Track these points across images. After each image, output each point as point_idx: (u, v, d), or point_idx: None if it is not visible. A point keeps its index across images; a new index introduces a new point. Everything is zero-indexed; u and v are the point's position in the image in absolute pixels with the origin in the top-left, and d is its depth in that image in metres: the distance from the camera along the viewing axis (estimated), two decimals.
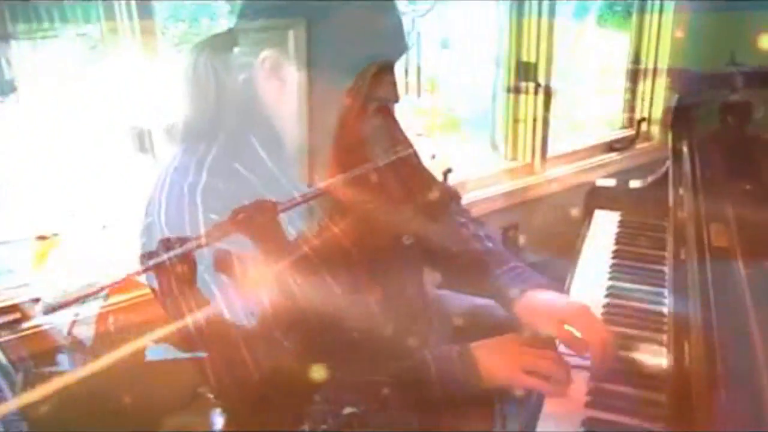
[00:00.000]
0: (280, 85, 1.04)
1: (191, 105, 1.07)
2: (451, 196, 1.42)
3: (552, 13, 2.30)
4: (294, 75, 1.02)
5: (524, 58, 2.34)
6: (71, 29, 1.51)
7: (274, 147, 1.06)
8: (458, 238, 1.32)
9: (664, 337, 1.16)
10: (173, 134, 1.08)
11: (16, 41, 1.43)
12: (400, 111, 2.09)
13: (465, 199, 2.21)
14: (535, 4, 2.28)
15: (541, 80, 2.34)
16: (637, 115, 2.78)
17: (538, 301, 1.18)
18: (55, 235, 1.48)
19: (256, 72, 1.04)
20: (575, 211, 1.76)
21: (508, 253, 1.33)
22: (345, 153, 1.07)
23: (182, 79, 1.06)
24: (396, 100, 1.08)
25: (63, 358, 1.41)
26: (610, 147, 2.69)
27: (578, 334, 1.10)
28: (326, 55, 1.01)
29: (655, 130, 2.78)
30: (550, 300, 1.17)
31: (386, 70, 1.04)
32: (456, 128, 2.73)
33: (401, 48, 1.09)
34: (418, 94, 2.60)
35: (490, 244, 1.32)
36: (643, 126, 2.77)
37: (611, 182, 1.76)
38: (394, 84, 1.06)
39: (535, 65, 2.33)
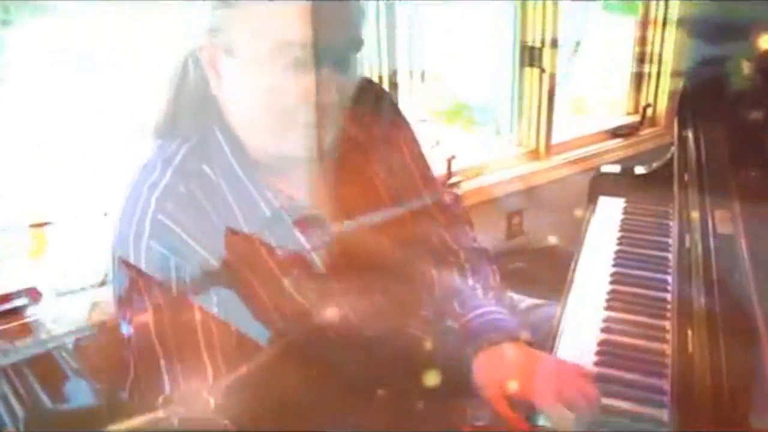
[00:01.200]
0: (218, 78, 0.98)
1: (165, 99, 1.03)
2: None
3: None
4: (226, 67, 0.96)
5: (529, 43, 2.33)
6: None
7: (236, 147, 1.00)
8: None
9: (668, 324, 1.16)
10: (152, 128, 1.04)
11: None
12: (404, 96, 2.10)
13: (469, 186, 2.22)
14: None
15: (546, 66, 2.33)
16: (643, 101, 2.77)
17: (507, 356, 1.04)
18: (48, 223, 1.48)
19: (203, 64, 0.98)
20: (580, 198, 1.76)
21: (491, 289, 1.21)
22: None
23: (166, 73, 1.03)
24: (326, 104, 0.94)
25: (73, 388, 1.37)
26: (616, 133, 2.68)
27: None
28: (247, 43, 0.93)
29: (661, 115, 2.77)
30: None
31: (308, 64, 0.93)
32: (460, 114, 2.73)
33: (336, 38, 0.94)
34: (422, 80, 2.59)
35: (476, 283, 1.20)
36: (649, 111, 2.76)
37: (616, 168, 1.75)
38: (325, 85, 0.93)
39: (540, 50, 2.32)
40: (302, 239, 1.02)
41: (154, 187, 0.96)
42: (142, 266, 0.94)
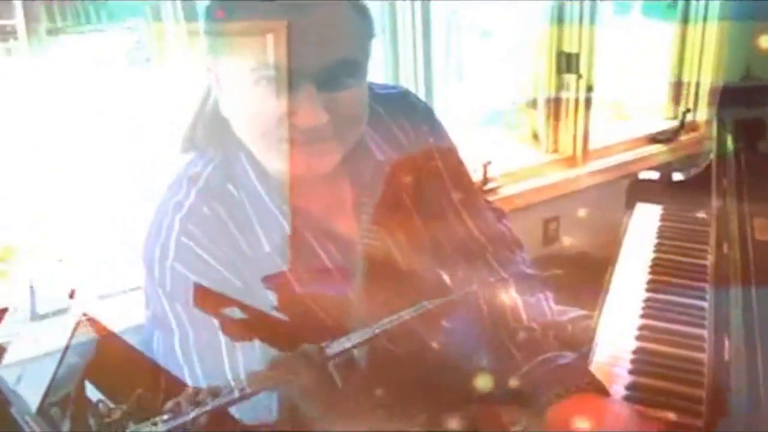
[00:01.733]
0: (221, 98, 0.97)
1: (190, 116, 1.03)
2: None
3: (595, 1, 2.26)
4: (226, 86, 0.95)
5: (566, 49, 2.32)
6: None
7: (256, 166, 0.99)
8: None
9: (705, 333, 1.15)
10: (177, 146, 1.04)
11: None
12: (441, 102, 2.11)
13: (505, 191, 2.22)
14: None
15: (584, 71, 2.31)
16: (683, 106, 2.73)
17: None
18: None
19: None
20: (617, 204, 1.74)
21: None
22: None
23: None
24: (309, 125, 0.90)
25: None
26: (654, 138, 2.65)
27: None
28: (227, 65, 0.92)
29: (701, 120, 2.73)
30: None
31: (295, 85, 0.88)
32: (497, 120, 2.72)
33: (317, 59, 0.89)
34: (459, 85, 2.60)
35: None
36: (689, 116, 2.72)
37: (654, 175, 1.73)
38: (306, 106, 0.89)
39: (577, 56, 2.31)
40: (325, 258, 1.02)
41: (179, 208, 0.97)
42: (167, 286, 0.95)
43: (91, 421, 0.84)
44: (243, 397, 0.83)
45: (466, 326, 1.05)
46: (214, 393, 0.83)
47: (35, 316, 1.47)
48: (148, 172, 1.49)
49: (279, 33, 0.86)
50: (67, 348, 1.19)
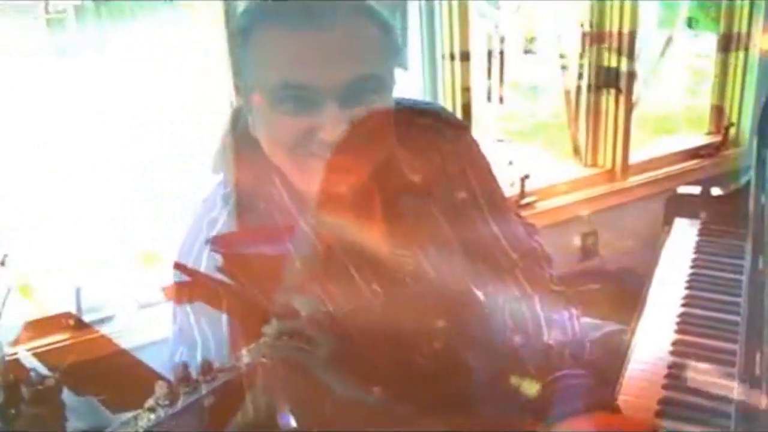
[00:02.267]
0: (251, 116, 0.99)
1: (222, 133, 1.05)
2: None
3: (634, 14, 2.26)
4: (254, 106, 0.96)
5: (606, 63, 2.32)
6: None
7: (286, 183, 1.00)
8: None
9: (738, 348, 1.14)
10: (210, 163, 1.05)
11: None
12: (479, 117, 2.12)
13: (543, 205, 2.22)
14: (617, 5, 2.25)
15: (623, 86, 2.31)
16: (725, 121, 2.70)
17: None
18: None
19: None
20: (656, 219, 1.74)
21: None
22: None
23: None
24: (333, 141, 0.90)
25: None
26: (696, 153, 2.62)
27: None
28: (252, 83, 0.95)
29: (744, 135, 2.69)
30: None
31: (307, 102, 0.89)
32: (536, 134, 2.73)
33: (338, 74, 0.89)
34: (500, 101, 2.61)
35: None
36: (732, 131, 2.69)
37: (692, 190, 1.72)
38: (330, 122, 0.89)
39: (617, 70, 2.30)
40: (356, 274, 1.01)
41: (213, 225, 0.99)
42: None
43: (24, 390, 0.85)
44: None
45: (485, 339, 1.08)
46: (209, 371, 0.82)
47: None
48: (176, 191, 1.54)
49: (301, 50, 0.88)
50: None
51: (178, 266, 1.00)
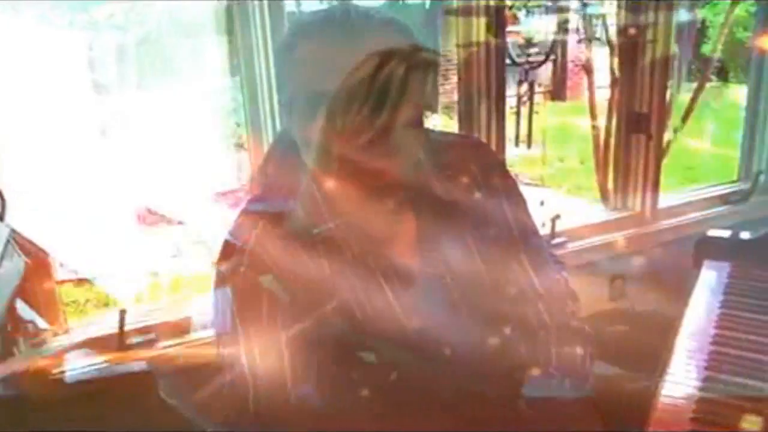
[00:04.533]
0: (292, 127, 1.04)
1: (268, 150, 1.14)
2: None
3: (665, 62, 2.29)
4: (294, 116, 1.01)
5: (636, 109, 2.35)
6: None
7: (323, 193, 0.98)
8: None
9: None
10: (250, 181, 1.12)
11: None
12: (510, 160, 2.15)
13: (573, 246, 2.24)
14: (648, 53, 2.29)
15: (653, 132, 2.33)
16: (755, 168, 2.71)
17: None
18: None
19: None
20: (685, 262, 1.75)
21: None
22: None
23: None
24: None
25: None
26: (725, 199, 2.63)
27: None
28: (290, 96, 1.00)
29: None
30: None
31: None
32: (566, 178, 2.76)
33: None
34: (528, 145, 2.65)
35: None
36: (761, 179, 2.70)
37: (723, 233, 1.74)
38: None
39: (647, 116, 2.33)
40: (386, 287, 1.05)
41: (254, 226, 1.02)
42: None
43: (21, 341, 0.85)
44: None
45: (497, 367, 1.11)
46: None
47: None
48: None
49: (333, 62, 0.90)
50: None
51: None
